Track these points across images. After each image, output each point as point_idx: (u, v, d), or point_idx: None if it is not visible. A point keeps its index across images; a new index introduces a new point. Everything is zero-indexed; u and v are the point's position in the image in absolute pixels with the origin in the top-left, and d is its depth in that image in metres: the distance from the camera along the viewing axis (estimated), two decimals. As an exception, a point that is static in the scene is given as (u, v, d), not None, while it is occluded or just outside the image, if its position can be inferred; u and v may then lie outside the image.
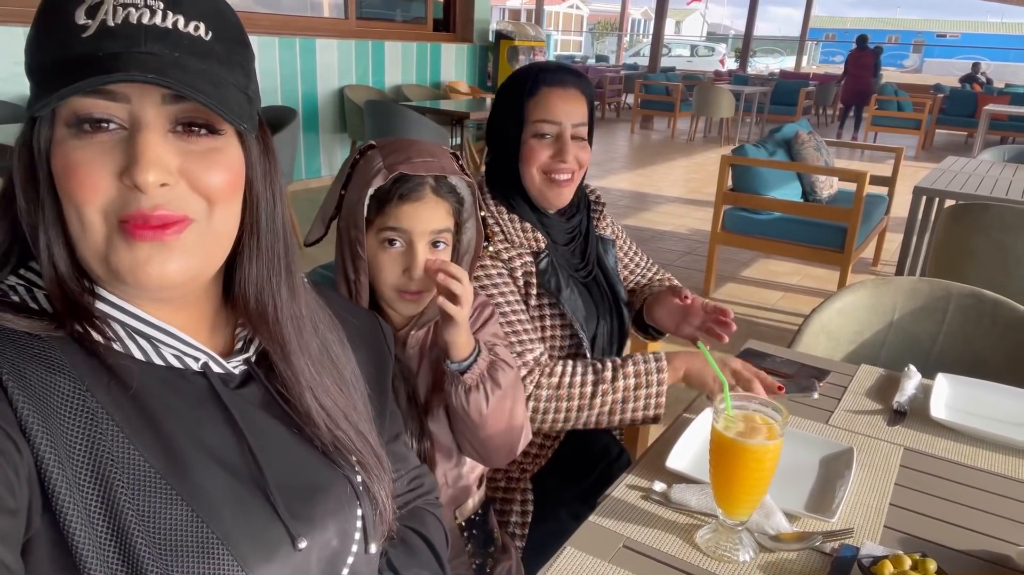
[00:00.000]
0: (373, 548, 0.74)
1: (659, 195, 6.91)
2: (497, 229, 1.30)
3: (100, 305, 0.61)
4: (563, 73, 1.33)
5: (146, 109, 0.57)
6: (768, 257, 4.88)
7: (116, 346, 0.61)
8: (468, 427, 1.02)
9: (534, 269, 1.31)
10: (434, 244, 1.03)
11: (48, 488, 0.54)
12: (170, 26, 0.56)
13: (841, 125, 12.52)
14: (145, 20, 0.56)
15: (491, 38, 7.76)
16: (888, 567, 0.82)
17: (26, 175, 0.59)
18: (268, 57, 5.67)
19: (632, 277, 1.62)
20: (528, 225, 1.32)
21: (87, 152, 0.56)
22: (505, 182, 1.34)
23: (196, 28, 0.58)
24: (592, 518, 0.95)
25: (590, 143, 1.37)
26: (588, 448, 1.42)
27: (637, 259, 1.63)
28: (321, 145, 6.29)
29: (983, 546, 0.93)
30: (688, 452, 1.08)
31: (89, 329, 0.59)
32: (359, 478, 0.73)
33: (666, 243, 5.23)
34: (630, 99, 12.79)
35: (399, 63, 6.89)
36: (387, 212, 1.00)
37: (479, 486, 1.18)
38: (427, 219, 1.01)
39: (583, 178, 1.40)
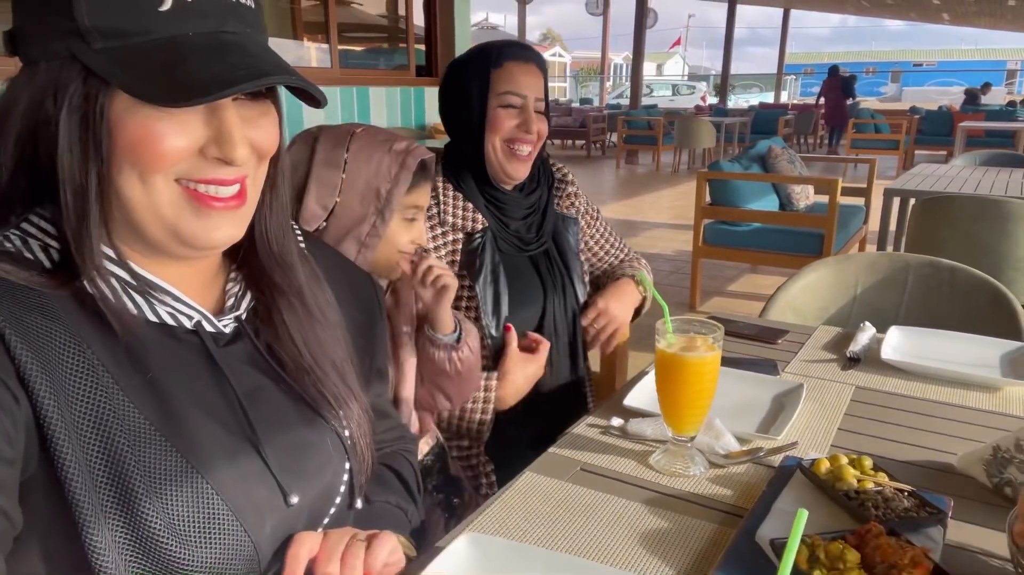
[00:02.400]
0: (359, 503, 0.76)
1: (645, 222, 7.02)
2: (434, 207, 1.35)
3: (104, 262, 0.61)
4: (525, 49, 1.39)
5: None
6: (753, 271, 4.96)
7: (113, 300, 0.61)
8: (447, 379, 1.17)
9: (459, 247, 1.36)
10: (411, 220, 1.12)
11: (47, 433, 0.55)
12: (233, 0, 0.59)
13: (830, 144, 13.33)
14: None
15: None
16: (825, 464, 0.87)
17: (81, 134, 0.57)
18: (255, 107, 5.81)
19: (597, 260, 1.66)
20: (470, 204, 1.37)
21: (169, 125, 0.57)
22: (458, 160, 1.39)
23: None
24: (551, 449, 1.00)
25: (547, 119, 1.43)
26: (569, 422, 1.46)
27: (610, 242, 1.66)
28: (310, 190, 6.39)
29: (926, 458, 0.98)
30: (645, 392, 1.13)
31: (95, 282, 0.59)
32: (347, 432, 0.75)
33: (653, 264, 5.22)
34: (614, 138, 13.05)
35: (384, 107, 7.06)
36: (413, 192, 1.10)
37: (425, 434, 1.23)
38: (423, 196, 1.13)
39: (541, 151, 1.45)
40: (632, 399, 1.10)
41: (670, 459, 0.95)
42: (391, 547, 0.66)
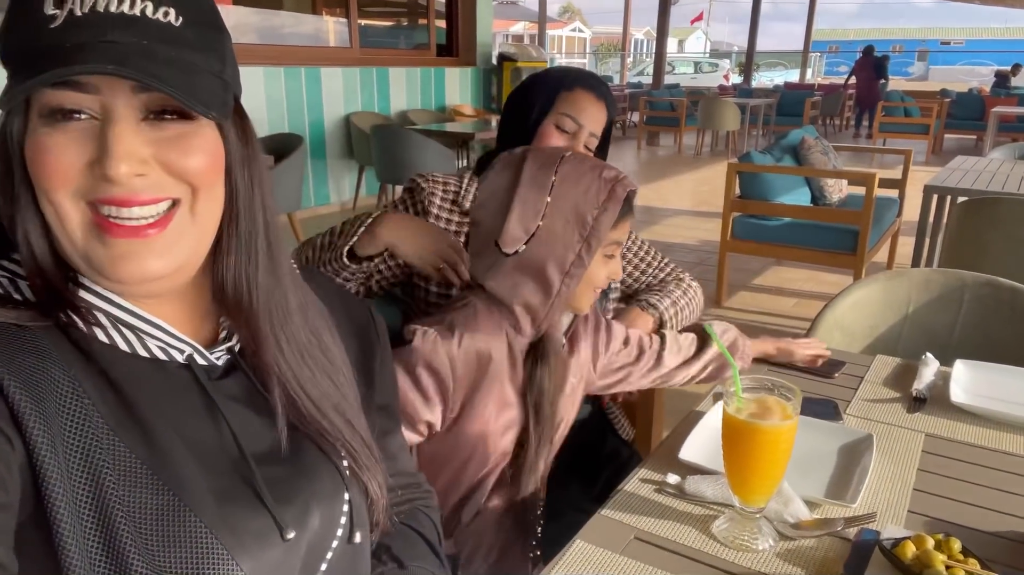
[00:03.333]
0: (358, 537, 0.72)
1: (667, 208, 6.89)
2: (454, 192, 1.34)
3: (85, 295, 0.60)
4: (600, 83, 1.37)
5: (116, 99, 0.56)
6: (780, 264, 4.84)
7: (101, 336, 0.60)
8: None
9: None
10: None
11: (40, 476, 0.54)
12: (138, 13, 0.56)
13: (857, 127, 13.08)
14: (113, 8, 0.55)
15: (494, 61, 7.83)
16: (910, 548, 0.79)
17: (1, 169, 0.58)
18: (275, 87, 5.73)
19: (632, 280, 1.56)
20: None
21: (58, 139, 0.56)
22: None
23: (166, 14, 0.57)
24: (603, 511, 0.93)
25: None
26: (596, 452, 1.39)
27: (646, 261, 1.57)
28: (329, 171, 6.33)
29: (1011, 527, 0.90)
30: (701, 444, 1.05)
31: (74, 318, 0.59)
32: (345, 462, 0.72)
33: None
34: (635, 118, 12.84)
35: (404, 88, 6.95)
36: (617, 227, 1.04)
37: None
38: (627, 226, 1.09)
39: None
40: (689, 452, 1.02)
41: (736, 529, 0.88)
42: None
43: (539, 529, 1.17)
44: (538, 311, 1.02)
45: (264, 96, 5.67)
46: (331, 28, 6.97)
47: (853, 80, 13.27)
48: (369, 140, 5.55)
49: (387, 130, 5.34)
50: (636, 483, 0.99)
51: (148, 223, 0.58)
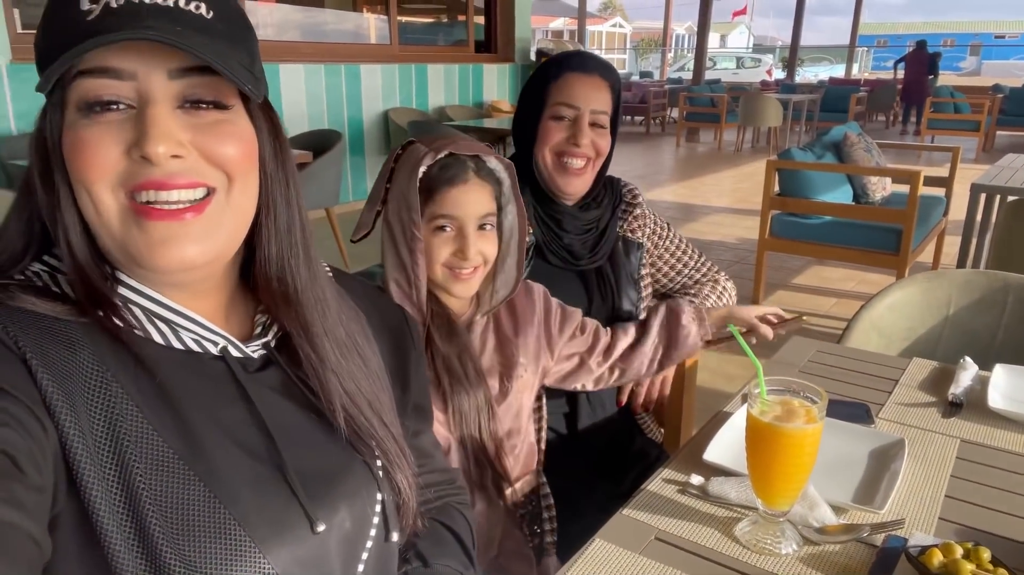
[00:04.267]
0: (395, 536, 0.73)
1: (706, 206, 6.81)
2: None
3: (121, 290, 0.62)
4: (587, 59, 1.32)
5: (153, 85, 0.57)
6: (820, 263, 4.75)
7: (136, 330, 0.61)
8: None
9: None
10: (481, 227, 1.07)
11: (72, 466, 0.55)
12: (171, 4, 0.57)
13: (904, 123, 12.83)
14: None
15: (532, 57, 7.81)
16: (937, 556, 0.77)
17: (41, 164, 0.60)
18: (315, 83, 5.81)
19: (668, 280, 1.54)
20: None
21: (95, 130, 0.57)
22: (519, 173, 1.32)
23: (197, 7, 0.58)
24: (624, 511, 0.93)
25: (613, 135, 1.34)
26: (624, 450, 1.39)
27: (683, 261, 1.53)
28: (367, 167, 6.40)
29: (1048, 539, 0.87)
30: (727, 445, 1.04)
31: (110, 312, 0.60)
32: (379, 462, 0.72)
33: (714, 253, 5.14)
34: (675, 113, 12.71)
35: (442, 85, 6.98)
36: (436, 200, 1.04)
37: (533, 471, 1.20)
38: (474, 203, 1.06)
39: (602, 169, 1.37)
40: (713, 453, 1.01)
41: (759, 532, 0.87)
42: None
43: (544, 524, 1.18)
44: (408, 292, 1.05)
45: (305, 92, 5.75)
46: (372, 25, 7.04)
47: (901, 74, 12.95)
48: (406, 135, 5.59)
49: (423, 126, 5.37)
50: (659, 483, 0.99)
51: (185, 207, 0.59)
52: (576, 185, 1.33)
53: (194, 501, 0.58)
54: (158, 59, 0.57)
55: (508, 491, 1.14)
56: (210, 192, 0.61)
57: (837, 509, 0.91)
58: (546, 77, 1.31)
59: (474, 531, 0.90)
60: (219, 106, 0.61)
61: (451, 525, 0.86)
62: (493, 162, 1.09)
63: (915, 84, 12.50)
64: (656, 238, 1.49)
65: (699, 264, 1.54)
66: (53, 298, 0.59)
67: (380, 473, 0.72)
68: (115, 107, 0.57)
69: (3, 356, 0.54)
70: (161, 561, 0.56)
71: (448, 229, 1.06)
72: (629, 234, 1.44)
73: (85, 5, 0.56)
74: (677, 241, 1.52)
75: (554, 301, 1.25)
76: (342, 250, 4.50)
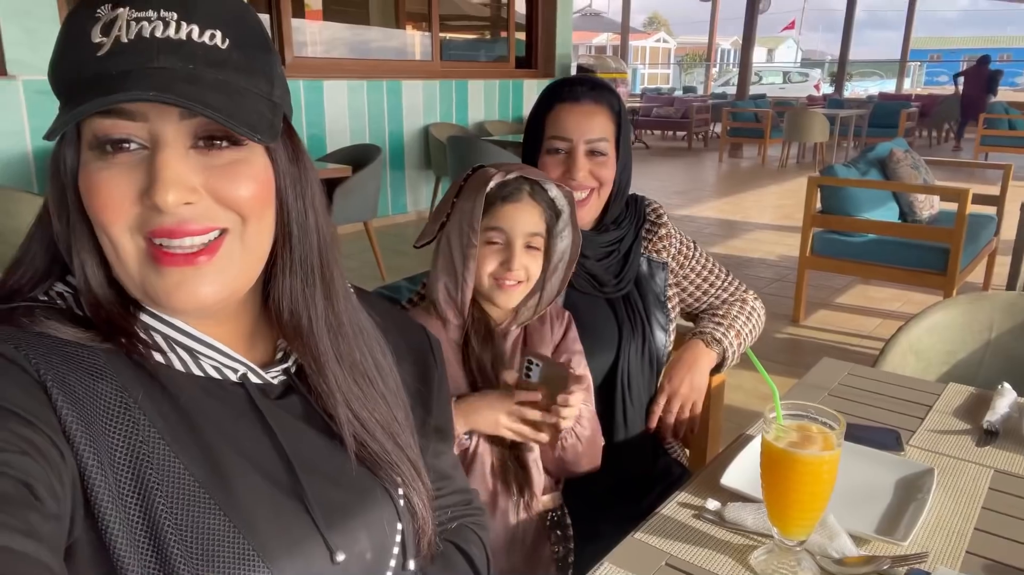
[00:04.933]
0: (412, 564, 0.72)
1: (748, 222, 6.71)
2: None
3: (142, 316, 0.62)
4: (578, 86, 1.29)
5: (165, 127, 0.56)
6: (865, 283, 4.63)
7: (157, 356, 0.61)
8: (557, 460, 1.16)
9: None
10: (528, 245, 1.13)
11: (90, 494, 0.54)
12: (184, 37, 0.56)
13: (957, 138, 12.63)
14: (159, 33, 0.55)
15: (572, 72, 7.83)
16: (962, 593, 0.74)
17: (57, 198, 0.60)
18: (357, 99, 5.91)
19: (694, 300, 1.51)
20: None
21: (109, 173, 0.56)
22: None
23: (212, 37, 0.57)
24: (635, 535, 0.91)
25: (623, 152, 1.32)
26: (647, 469, 1.36)
27: (708, 280, 1.49)
28: (407, 181, 6.47)
29: (1084, 578, 0.83)
30: (747, 470, 1.02)
31: (131, 340, 0.60)
32: (400, 491, 0.71)
33: (754, 270, 5.05)
34: (718, 128, 12.59)
35: (482, 100, 7.04)
36: (490, 213, 1.11)
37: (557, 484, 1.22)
38: (524, 220, 1.12)
39: (619, 192, 1.35)
40: (731, 478, 0.99)
41: (774, 562, 0.84)
42: None
43: (562, 543, 1.18)
44: (455, 296, 1.11)
45: (347, 108, 5.85)
46: (415, 42, 7.14)
47: (958, 88, 12.66)
48: (445, 150, 5.64)
49: (462, 140, 5.41)
50: (674, 507, 0.97)
51: (198, 251, 0.59)
52: (581, 215, 1.30)
53: (214, 530, 0.57)
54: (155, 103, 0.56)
55: (532, 501, 1.14)
56: (223, 232, 0.60)
57: (859, 540, 0.88)
58: (540, 111, 1.30)
59: (490, 554, 0.89)
60: (233, 142, 0.59)
61: (465, 548, 0.84)
62: (554, 190, 1.14)
63: (973, 99, 12.14)
64: (682, 258, 1.46)
65: (726, 283, 1.52)
66: (76, 322, 0.59)
67: (401, 502, 0.71)
68: (127, 146, 0.56)
69: (24, 383, 0.54)
70: None
71: (498, 242, 1.12)
72: (654, 254, 1.42)
73: (96, 37, 0.55)
74: (703, 260, 1.50)
75: (574, 340, 1.24)
76: (379, 263, 4.55)
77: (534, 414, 1.07)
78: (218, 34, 0.57)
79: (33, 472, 0.49)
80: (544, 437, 1.09)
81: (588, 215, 1.33)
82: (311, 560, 0.61)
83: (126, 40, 0.55)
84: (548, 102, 1.30)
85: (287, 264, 0.66)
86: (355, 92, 5.89)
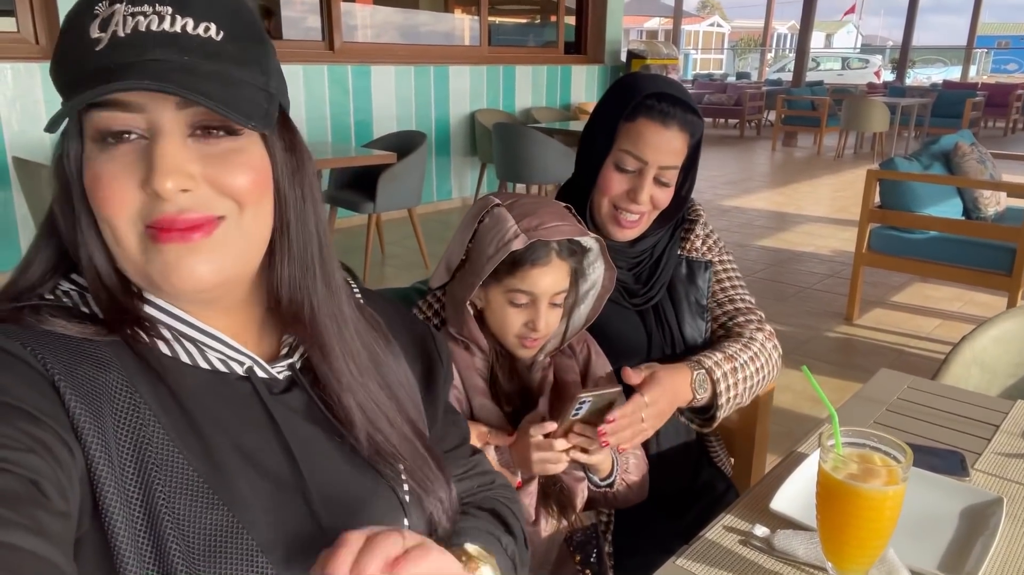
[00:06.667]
0: None
1: (800, 215, 6.53)
2: None
3: (148, 309, 0.62)
4: (670, 106, 1.18)
5: (162, 116, 0.57)
6: (924, 281, 4.45)
7: (163, 349, 0.62)
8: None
9: None
10: (551, 304, 1.11)
11: (97, 490, 0.54)
12: (179, 30, 0.57)
13: None
14: (154, 27, 0.56)
15: (623, 58, 7.69)
16: (1039, 649, 0.67)
17: (61, 192, 0.61)
18: (404, 85, 5.90)
19: (716, 305, 1.37)
20: None
21: (112, 165, 0.57)
22: (572, 198, 1.23)
23: (207, 29, 0.58)
24: (677, 561, 0.86)
25: (687, 180, 1.26)
26: (690, 481, 1.31)
27: (727, 294, 1.35)
28: (452, 168, 6.45)
29: None
30: (798, 493, 0.96)
31: (138, 331, 0.61)
32: (406, 487, 0.70)
33: (806, 265, 4.91)
34: (772, 116, 12.27)
35: (529, 86, 6.97)
36: (517, 275, 1.08)
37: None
38: (551, 283, 1.10)
39: (667, 210, 1.27)
40: (781, 503, 0.93)
41: (826, 598, 0.79)
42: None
43: (602, 559, 1.13)
44: (473, 335, 1.12)
45: (395, 95, 5.85)
46: (464, 26, 7.10)
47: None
48: (490, 138, 5.60)
49: (507, 128, 5.36)
50: (719, 531, 0.92)
51: (189, 226, 0.59)
52: (627, 235, 1.25)
53: (216, 525, 0.57)
54: (153, 92, 0.57)
55: (572, 517, 1.13)
56: (220, 218, 0.61)
57: (920, 576, 0.82)
58: (620, 109, 1.19)
59: (522, 520, 0.85)
60: (230, 131, 0.60)
61: (486, 506, 0.81)
62: (586, 240, 1.12)
63: None
64: (719, 265, 1.36)
65: (742, 296, 1.36)
66: (82, 319, 0.60)
67: (407, 498, 0.70)
68: (128, 136, 0.58)
69: (31, 380, 0.54)
70: None
71: (523, 303, 1.10)
72: (694, 253, 1.34)
73: (95, 33, 0.56)
74: (733, 269, 1.38)
75: (599, 355, 1.22)
76: (422, 248, 4.54)
77: (565, 448, 1.07)
78: (212, 27, 0.59)
79: (40, 469, 0.50)
80: (587, 458, 1.09)
81: (635, 234, 1.26)
82: (313, 557, 0.59)
83: (123, 35, 0.56)
84: (633, 111, 1.19)
85: (285, 252, 0.66)
86: (402, 77, 5.88)
